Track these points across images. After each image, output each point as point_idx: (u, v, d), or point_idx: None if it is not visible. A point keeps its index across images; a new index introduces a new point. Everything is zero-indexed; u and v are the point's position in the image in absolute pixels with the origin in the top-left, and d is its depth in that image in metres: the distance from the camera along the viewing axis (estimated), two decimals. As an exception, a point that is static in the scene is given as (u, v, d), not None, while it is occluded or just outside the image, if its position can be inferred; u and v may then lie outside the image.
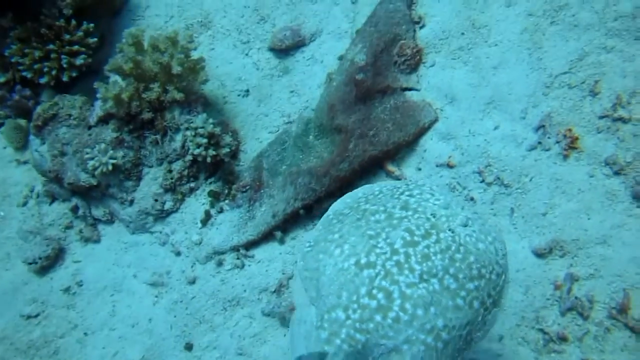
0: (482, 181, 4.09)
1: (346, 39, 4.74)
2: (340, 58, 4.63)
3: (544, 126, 4.06)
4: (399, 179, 4.29)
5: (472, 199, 4.09)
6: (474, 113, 4.22)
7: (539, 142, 4.04)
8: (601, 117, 3.94)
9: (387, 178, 4.36)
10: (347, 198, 2.69)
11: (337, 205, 2.66)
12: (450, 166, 4.18)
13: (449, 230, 2.32)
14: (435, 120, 4.32)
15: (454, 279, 2.25)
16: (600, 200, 3.84)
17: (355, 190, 2.71)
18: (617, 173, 3.84)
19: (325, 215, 2.63)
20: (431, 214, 2.36)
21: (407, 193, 2.49)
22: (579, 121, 3.99)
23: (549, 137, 4.02)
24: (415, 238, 2.29)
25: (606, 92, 3.98)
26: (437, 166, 4.22)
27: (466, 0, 4.49)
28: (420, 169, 4.28)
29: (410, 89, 4.47)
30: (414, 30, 4.54)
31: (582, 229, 3.79)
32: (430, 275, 2.24)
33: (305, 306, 2.47)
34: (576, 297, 3.68)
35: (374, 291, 2.25)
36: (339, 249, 2.38)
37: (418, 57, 4.48)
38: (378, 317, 2.23)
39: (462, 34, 4.43)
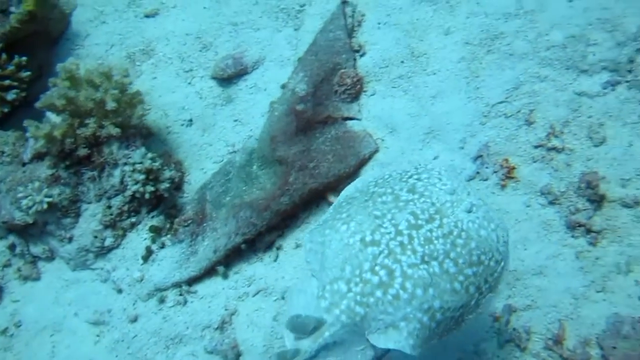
0: (422, 212, 4.12)
1: (289, 66, 4.75)
2: (283, 86, 4.64)
3: (482, 156, 4.12)
4: (341, 211, 4.30)
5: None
6: (414, 143, 4.27)
7: (477, 172, 4.10)
8: (536, 147, 4.01)
9: (329, 209, 4.37)
10: (358, 183, 2.79)
11: (349, 189, 2.77)
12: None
13: (453, 216, 2.42)
14: (376, 150, 4.35)
15: (453, 263, 2.37)
16: (536, 230, 3.91)
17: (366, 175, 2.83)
18: (552, 203, 3.91)
19: (336, 200, 2.75)
20: (436, 199, 2.46)
21: (415, 177, 2.60)
22: (515, 150, 4.06)
23: (487, 167, 4.08)
24: (419, 221, 2.41)
25: (540, 121, 4.06)
26: (378, 197, 4.24)
27: (406, 29, 4.54)
28: (362, 200, 4.29)
29: (351, 119, 4.50)
30: (354, 59, 4.57)
31: (520, 260, 3.86)
32: (432, 258, 2.36)
33: (307, 278, 2.58)
34: (514, 329, 3.74)
35: (377, 268, 2.37)
36: (345, 226, 2.50)
37: (359, 86, 4.51)
38: (379, 293, 2.35)
39: (402, 62, 4.47)
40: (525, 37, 4.18)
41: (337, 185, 4.34)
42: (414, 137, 4.26)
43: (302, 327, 2.40)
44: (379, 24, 4.59)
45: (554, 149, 3.95)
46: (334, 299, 2.42)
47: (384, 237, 2.42)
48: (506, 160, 4.02)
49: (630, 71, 3.91)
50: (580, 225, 3.79)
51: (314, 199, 4.35)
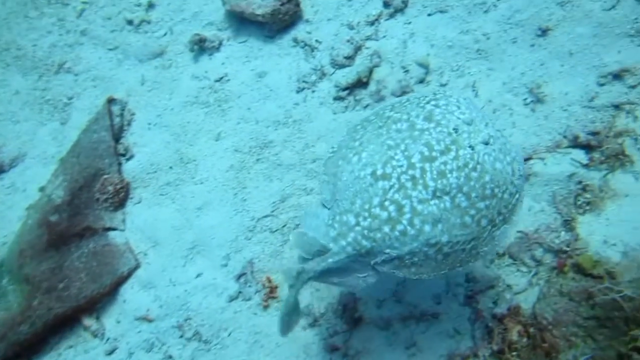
0: (182, 336, 3.95)
1: (53, 164, 4.44)
2: (42, 189, 4.30)
3: (245, 274, 4.04)
4: (96, 335, 4.02)
5: (170, 357, 3.93)
6: (177, 259, 4.10)
7: (240, 292, 4.01)
8: (299, 265, 3.99)
9: (84, 332, 4.07)
10: (382, 105, 2.76)
11: (371, 113, 2.74)
12: (148, 320, 4.00)
13: (469, 147, 2.39)
14: (137, 267, 4.14)
15: (466, 197, 2.37)
16: (296, 354, 3.87)
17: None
18: (312, 324, 3.90)
19: (354, 125, 2.73)
20: (453, 129, 2.42)
21: (433, 103, 2.55)
22: (279, 268, 4.02)
23: (249, 286, 4.01)
24: (434, 153, 2.40)
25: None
26: (135, 319, 4.02)
27: (176, 132, 4.42)
28: (119, 322, 4.05)
29: (114, 229, 4.25)
30: (119, 164, 4.36)
31: (277, 389, 3.78)
32: (444, 192, 2.36)
33: (319, 206, 2.63)
34: None
35: (386, 203, 2.40)
36: (357, 157, 2.51)
37: (123, 193, 4.29)
38: (386, 229, 2.40)
39: (171, 168, 4.33)
40: (293, 148, 4.21)
41: (90, 306, 4.05)
42: (177, 252, 4.10)
43: (306, 245, 2.48)
44: (150, 124, 4.44)
45: (314, 267, 3.96)
46: (341, 230, 2.48)
47: (395, 171, 2.43)
48: (269, 279, 3.97)
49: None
50: (336, 349, 3.80)
51: (66, 322, 4.01)
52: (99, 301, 4.04)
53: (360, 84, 4.19)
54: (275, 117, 4.29)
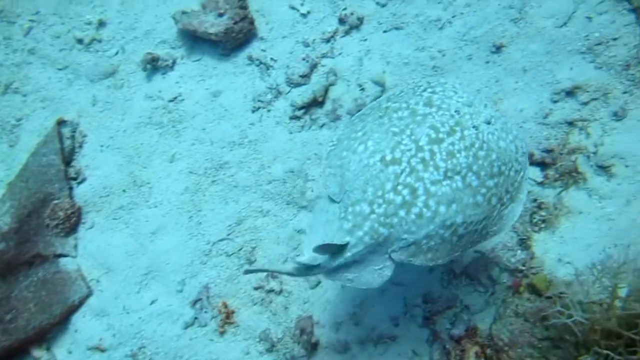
0: (136, 366, 3.86)
1: (1, 189, 4.30)
2: (-10, 216, 4.16)
3: (201, 299, 3.97)
4: (48, 366, 3.91)
5: (123, 386, 3.84)
6: (130, 285, 4.01)
7: (196, 318, 3.94)
8: (256, 289, 3.94)
9: (36, 364, 3.95)
10: (379, 99, 2.76)
11: (365, 108, 2.74)
12: (101, 350, 3.91)
13: (473, 127, 2.43)
14: (89, 295, 4.04)
15: (476, 176, 2.40)
16: (257, 381, 3.81)
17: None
18: (269, 350, 3.84)
19: (351, 118, 2.71)
20: (455, 111, 2.46)
21: (429, 90, 2.58)
22: (236, 292, 3.97)
23: (205, 312, 3.94)
24: (440, 135, 2.41)
25: (261, 259, 4.02)
26: (88, 349, 3.93)
27: (129, 153, 4.33)
28: (71, 352, 3.94)
29: (65, 256, 4.14)
30: (70, 188, 4.26)
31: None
32: (455, 172, 2.38)
33: (327, 201, 2.56)
34: None
35: (400, 187, 2.39)
36: (363, 146, 2.49)
37: (75, 218, 4.19)
38: (402, 213, 2.39)
39: (124, 191, 4.24)
40: (249, 169, 4.16)
41: (40, 337, 3.94)
42: (131, 278, 4.02)
43: (326, 249, 2.43)
44: (102, 146, 4.34)
45: (272, 291, 3.92)
46: (356, 220, 2.44)
47: (404, 155, 2.42)
48: (225, 304, 3.90)
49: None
50: (294, 375, 3.75)
51: (14, 355, 3.89)
52: (49, 331, 3.94)
53: (316, 103, 4.16)
54: (231, 137, 4.23)
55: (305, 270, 2.51)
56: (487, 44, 4.10)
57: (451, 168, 2.43)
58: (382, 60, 4.25)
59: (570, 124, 3.86)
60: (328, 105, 4.18)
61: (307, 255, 2.51)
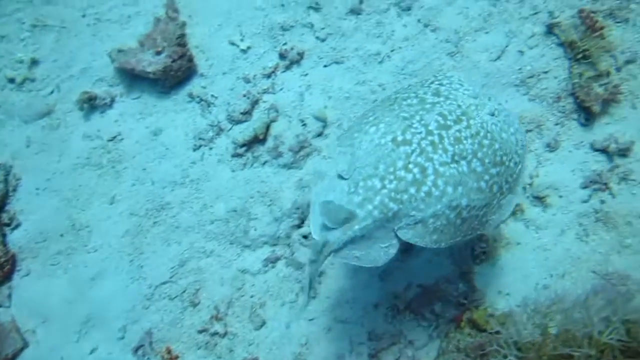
0: (75, 419, 3.74)
1: None
2: None
3: (143, 345, 3.89)
4: None
5: None
6: (69, 335, 3.90)
7: (138, 365, 3.85)
8: (200, 332, 3.89)
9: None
10: (385, 96, 2.96)
11: (374, 104, 2.92)
12: (37, 405, 3.77)
13: (478, 117, 2.60)
14: (24, 347, 3.90)
15: (480, 163, 2.55)
16: None
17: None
18: (214, 396, 3.78)
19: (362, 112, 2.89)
20: (462, 102, 2.63)
21: (437, 83, 2.77)
22: (180, 336, 3.90)
23: (148, 358, 3.85)
24: (448, 122, 2.57)
25: (206, 301, 3.97)
26: (23, 406, 3.78)
27: (67, 196, 4.23)
28: (7, 409, 3.78)
29: (-1, 306, 3.99)
30: (4, 235, 4.12)
31: None
32: (461, 157, 2.52)
33: (334, 179, 2.64)
34: None
35: (410, 165, 2.51)
36: (374, 127, 2.64)
37: (8, 266, 4.06)
38: (412, 190, 2.49)
39: (62, 235, 4.13)
40: (191, 209, 4.11)
41: (-28, 396, 3.77)
42: (70, 327, 3.91)
43: (334, 214, 2.48)
44: (38, 189, 4.23)
45: (217, 334, 3.87)
46: (367, 194, 2.52)
47: (415, 137, 2.55)
48: (169, 349, 3.83)
49: (289, 245, 4.03)
50: (241, 421, 3.70)
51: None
52: (-18, 389, 3.77)
53: (258, 140, 4.15)
54: (172, 177, 4.19)
55: (321, 248, 2.54)
56: (425, 77, 4.18)
57: (458, 152, 2.57)
58: (324, 95, 4.29)
59: (507, 155, 3.95)
60: (270, 142, 4.19)
61: (315, 233, 2.60)
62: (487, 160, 2.62)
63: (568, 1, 4.05)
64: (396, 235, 2.60)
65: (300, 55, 4.37)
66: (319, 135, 4.16)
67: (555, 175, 3.84)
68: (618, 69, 3.92)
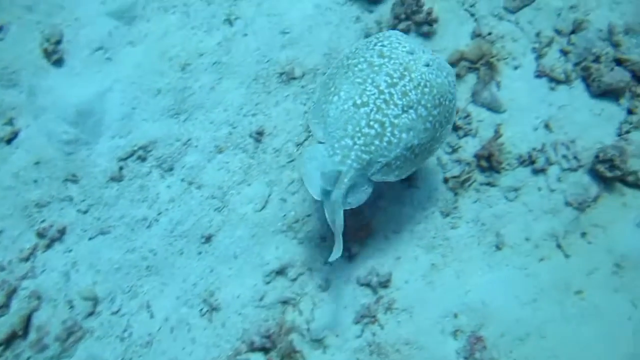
0: None
1: None
2: None
3: None
4: None
5: None
6: None
7: None
8: None
9: None
10: (335, 60, 3.67)
11: (330, 70, 3.62)
12: None
13: (417, 71, 3.33)
14: None
15: (424, 108, 3.34)
16: None
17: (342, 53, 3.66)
18: None
19: (321, 79, 3.66)
20: (402, 59, 3.35)
21: (379, 44, 3.46)
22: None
23: None
24: (394, 80, 3.31)
25: None
26: None
27: None
28: None
29: None
30: None
31: None
32: (409, 107, 3.31)
33: (313, 148, 3.41)
34: None
35: (372, 123, 3.30)
36: (336, 97, 3.38)
37: None
38: (377, 142, 3.31)
39: None
40: None
41: None
42: None
43: (329, 178, 3.31)
44: None
45: None
46: (343, 152, 3.31)
47: (370, 98, 3.27)
48: None
49: None
50: None
51: None
52: None
53: (17, 336, 3.84)
54: None
55: (334, 207, 3.33)
56: (196, 236, 4.28)
57: (406, 104, 3.29)
58: (92, 270, 4.16)
59: (285, 302, 4.15)
60: (32, 335, 3.90)
61: (321, 195, 3.34)
62: (429, 105, 3.36)
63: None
64: (370, 180, 3.40)
65: (62, 231, 4.23)
66: (90, 314, 3.99)
67: (330, 314, 4.09)
68: (369, 206, 4.38)
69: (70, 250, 4.24)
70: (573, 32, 4.95)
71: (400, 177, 3.49)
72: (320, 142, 3.42)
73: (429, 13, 4.98)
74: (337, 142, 3.33)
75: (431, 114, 3.40)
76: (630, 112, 4.72)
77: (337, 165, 3.34)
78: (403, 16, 4.94)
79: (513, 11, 5.05)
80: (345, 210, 3.41)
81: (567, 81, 4.84)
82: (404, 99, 3.30)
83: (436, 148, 3.59)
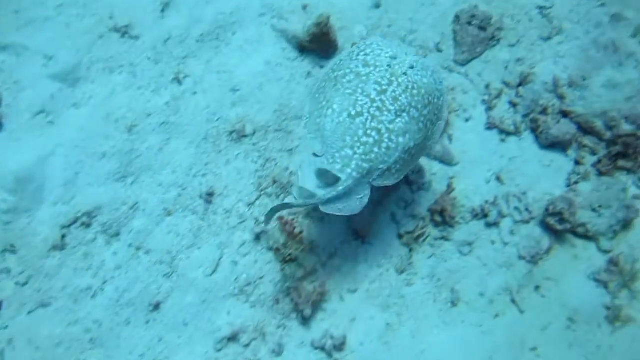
0: None
1: None
2: None
3: None
4: None
5: None
6: None
7: None
8: None
9: None
10: (322, 74, 3.74)
11: (317, 84, 3.70)
12: None
13: (404, 74, 3.46)
14: None
15: (415, 109, 3.45)
16: None
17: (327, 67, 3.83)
18: None
19: (310, 92, 3.71)
20: (387, 65, 3.46)
21: (362, 53, 3.57)
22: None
23: None
24: (384, 87, 3.42)
25: None
26: None
27: None
28: None
29: None
30: None
31: None
32: (402, 111, 3.42)
33: (311, 159, 3.48)
34: None
35: (369, 131, 3.38)
36: (330, 110, 3.45)
37: None
38: (376, 149, 3.39)
39: None
40: None
41: None
42: None
43: (325, 177, 3.35)
44: None
45: None
46: (344, 161, 3.39)
47: (364, 108, 3.40)
48: None
49: None
50: None
51: None
52: None
53: (-54, 423, 3.58)
54: None
55: (307, 197, 3.32)
56: (143, 304, 4.14)
57: (398, 108, 3.39)
58: (30, 347, 3.97)
59: (237, 369, 3.99)
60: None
61: (310, 188, 3.34)
62: (419, 106, 3.46)
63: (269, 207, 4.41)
64: (370, 186, 3.46)
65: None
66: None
67: (282, 382, 3.95)
68: (323, 265, 4.32)
69: (7, 327, 4.03)
70: (520, 84, 5.05)
71: (399, 180, 3.58)
72: (318, 156, 3.48)
73: (379, 68, 5.01)
74: (337, 152, 3.42)
75: (422, 114, 3.50)
76: (577, 162, 4.80)
77: (337, 173, 3.40)
78: (353, 72, 4.95)
79: (463, 64, 5.15)
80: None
81: (516, 133, 4.92)
82: (395, 104, 3.41)
83: (429, 146, 3.68)
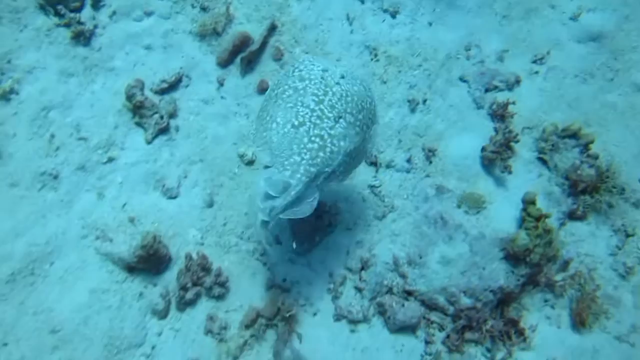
0: None
1: None
2: None
3: None
4: None
5: None
6: None
7: None
8: None
9: None
10: (265, 95, 4.10)
11: (261, 104, 4.06)
12: None
13: (337, 84, 3.86)
14: None
15: (351, 115, 3.84)
16: None
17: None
18: None
19: (256, 114, 4.07)
20: (321, 77, 3.85)
21: (297, 70, 3.96)
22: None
23: None
24: (320, 97, 3.80)
25: None
26: None
27: None
28: None
29: None
30: None
31: None
32: (339, 117, 3.78)
33: (263, 172, 3.89)
34: None
35: (313, 138, 3.73)
36: (274, 123, 3.80)
37: None
38: (321, 154, 3.73)
39: None
40: None
41: None
42: None
43: (275, 185, 3.60)
44: None
45: None
46: (293, 167, 3.68)
47: (305, 117, 3.74)
48: None
49: None
50: None
51: None
52: None
53: None
54: None
55: (270, 213, 3.59)
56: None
57: (336, 115, 3.76)
58: None
59: None
60: None
61: (267, 203, 3.61)
62: (354, 112, 3.83)
63: None
64: (318, 190, 3.74)
65: None
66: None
67: None
68: None
69: None
70: (362, 268, 5.10)
71: (344, 180, 3.98)
72: (268, 167, 3.79)
73: (218, 275, 4.88)
74: (286, 160, 3.69)
75: (358, 119, 3.87)
76: (427, 342, 4.85)
77: (287, 179, 3.64)
78: (189, 284, 4.76)
79: (304, 254, 5.15)
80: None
81: (365, 320, 4.91)
82: (333, 111, 3.77)
83: (368, 148, 4.07)
